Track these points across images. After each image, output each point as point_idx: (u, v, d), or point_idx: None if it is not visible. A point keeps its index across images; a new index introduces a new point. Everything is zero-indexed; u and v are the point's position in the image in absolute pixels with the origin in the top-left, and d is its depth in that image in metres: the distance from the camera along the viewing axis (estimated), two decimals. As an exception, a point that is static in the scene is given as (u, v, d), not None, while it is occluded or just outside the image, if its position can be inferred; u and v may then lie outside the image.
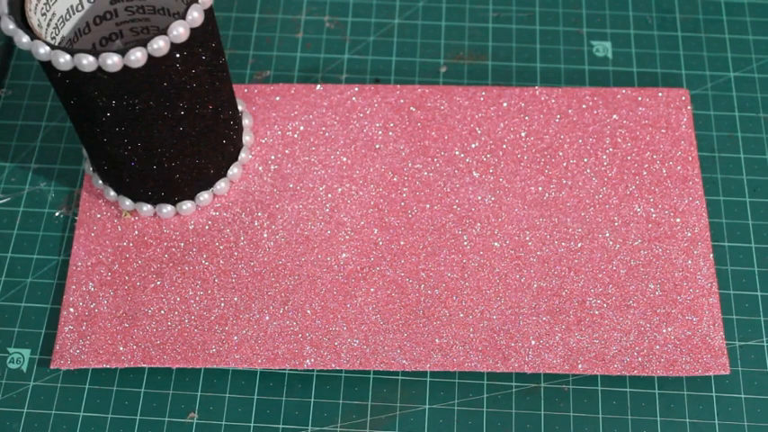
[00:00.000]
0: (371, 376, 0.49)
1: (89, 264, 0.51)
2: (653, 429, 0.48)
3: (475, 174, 0.54)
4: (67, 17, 0.47)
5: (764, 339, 0.50)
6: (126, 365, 0.49)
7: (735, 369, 0.49)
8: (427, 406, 0.49)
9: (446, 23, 0.60)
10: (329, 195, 0.53)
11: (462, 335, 0.49)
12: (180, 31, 0.41)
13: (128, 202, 0.52)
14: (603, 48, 0.59)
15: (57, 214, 0.54)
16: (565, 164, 0.54)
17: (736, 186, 0.54)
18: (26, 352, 0.50)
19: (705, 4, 0.61)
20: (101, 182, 0.53)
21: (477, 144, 0.55)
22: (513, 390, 0.49)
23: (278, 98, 0.56)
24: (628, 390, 0.49)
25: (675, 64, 0.58)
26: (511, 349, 0.49)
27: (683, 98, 0.56)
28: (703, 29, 0.60)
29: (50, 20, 0.45)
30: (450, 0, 0.61)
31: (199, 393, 0.49)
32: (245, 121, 0.54)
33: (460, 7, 0.61)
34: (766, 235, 0.53)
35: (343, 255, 0.51)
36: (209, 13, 0.44)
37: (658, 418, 0.48)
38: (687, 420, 0.48)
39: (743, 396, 0.49)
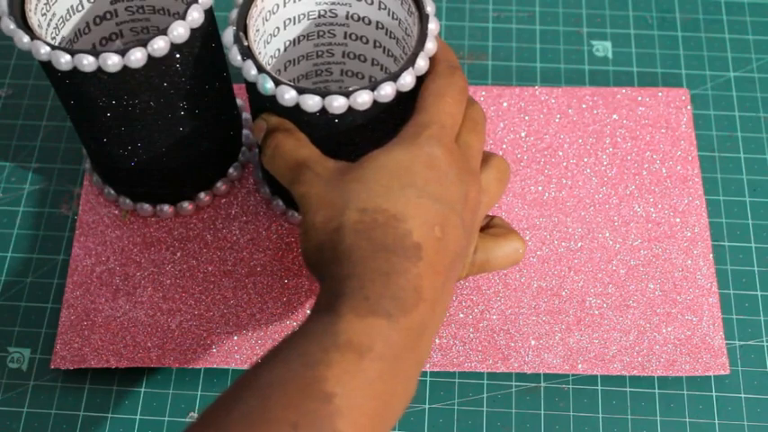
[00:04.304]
0: (371, 376, 0.49)
1: (89, 263, 0.51)
2: (653, 429, 0.48)
3: (475, 174, 0.54)
4: (67, 17, 0.47)
5: (764, 339, 0.50)
6: (126, 365, 0.49)
7: (735, 369, 0.49)
8: (427, 406, 0.49)
9: (446, 23, 0.60)
10: (329, 195, 0.53)
11: (462, 335, 0.49)
12: (180, 31, 0.41)
13: (128, 202, 0.52)
14: (603, 48, 0.59)
15: (57, 214, 0.54)
16: (565, 164, 0.54)
17: (736, 186, 0.54)
18: (26, 351, 0.50)
19: (705, 4, 0.61)
20: (101, 181, 0.53)
21: (477, 144, 0.55)
22: (513, 389, 0.49)
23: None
24: (628, 390, 0.49)
25: (675, 64, 0.58)
26: (511, 349, 0.49)
27: (683, 98, 0.56)
28: (703, 29, 0.60)
29: (50, 20, 0.45)
30: (450, 0, 0.61)
31: (199, 393, 0.49)
32: (245, 122, 0.54)
33: (460, 7, 0.61)
34: (766, 235, 0.53)
35: (343, 255, 0.51)
36: (208, 13, 0.44)
37: (658, 418, 0.48)
38: (687, 420, 0.48)
39: (743, 396, 0.49)
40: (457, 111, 0.41)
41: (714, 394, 0.49)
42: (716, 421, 0.48)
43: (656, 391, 0.49)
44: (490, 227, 0.44)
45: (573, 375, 0.49)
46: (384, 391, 0.34)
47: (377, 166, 0.38)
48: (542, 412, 0.48)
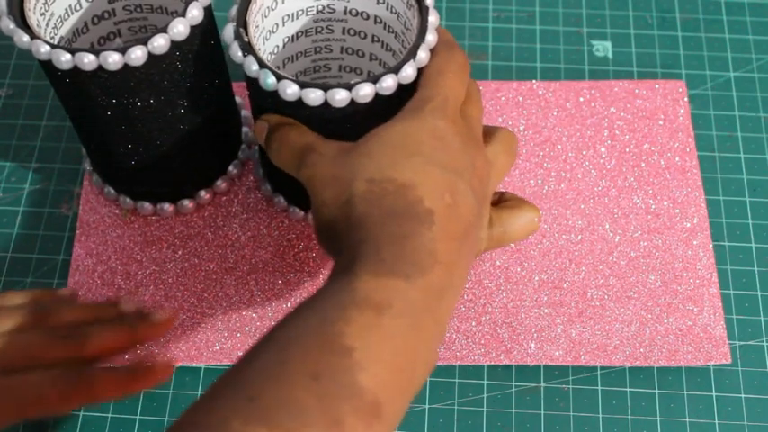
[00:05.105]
0: (371, 376, 0.49)
1: (90, 263, 0.51)
2: (653, 429, 0.48)
3: (474, 171, 0.54)
4: (66, 17, 0.47)
5: (764, 339, 0.50)
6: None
7: (735, 369, 0.49)
8: (427, 405, 0.49)
9: (446, 23, 0.60)
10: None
11: (465, 328, 0.50)
12: (180, 28, 0.41)
13: (128, 201, 0.52)
14: (603, 47, 0.59)
15: (57, 214, 0.54)
16: (563, 157, 0.54)
17: (736, 186, 0.54)
18: (26, 351, 0.50)
19: (705, 4, 0.61)
20: (101, 181, 0.53)
21: (476, 142, 0.55)
22: (513, 389, 0.49)
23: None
24: (628, 389, 0.49)
25: (675, 64, 0.58)
26: (513, 342, 0.49)
27: (680, 90, 0.56)
28: (703, 29, 0.60)
29: (49, 20, 0.45)
30: (450, 0, 0.61)
31: (199, 393, 0.49)
32: (244, 119, 0.54)
33: (460, 7, 0.61)
34: (766, 235, 0.53)
35: (344, 253, 0.51)
36: (208, 10, 0.44)
37: (658, 418, 0.48)
38: (687, 420, 0.48)
39: (743, 396, 0.49)
40: (458, 85, 0.41)
41: (714, 394, 0.49)
42: (716, 421, 0.48)
43: (656, 391, 0.49)
44: (502, 200, 0.44)
45: (573, 375, 0.49)
46: (405, 350, 0.34)
47: (382, 140, 0.39)
48: (542, 412, 0.48)
